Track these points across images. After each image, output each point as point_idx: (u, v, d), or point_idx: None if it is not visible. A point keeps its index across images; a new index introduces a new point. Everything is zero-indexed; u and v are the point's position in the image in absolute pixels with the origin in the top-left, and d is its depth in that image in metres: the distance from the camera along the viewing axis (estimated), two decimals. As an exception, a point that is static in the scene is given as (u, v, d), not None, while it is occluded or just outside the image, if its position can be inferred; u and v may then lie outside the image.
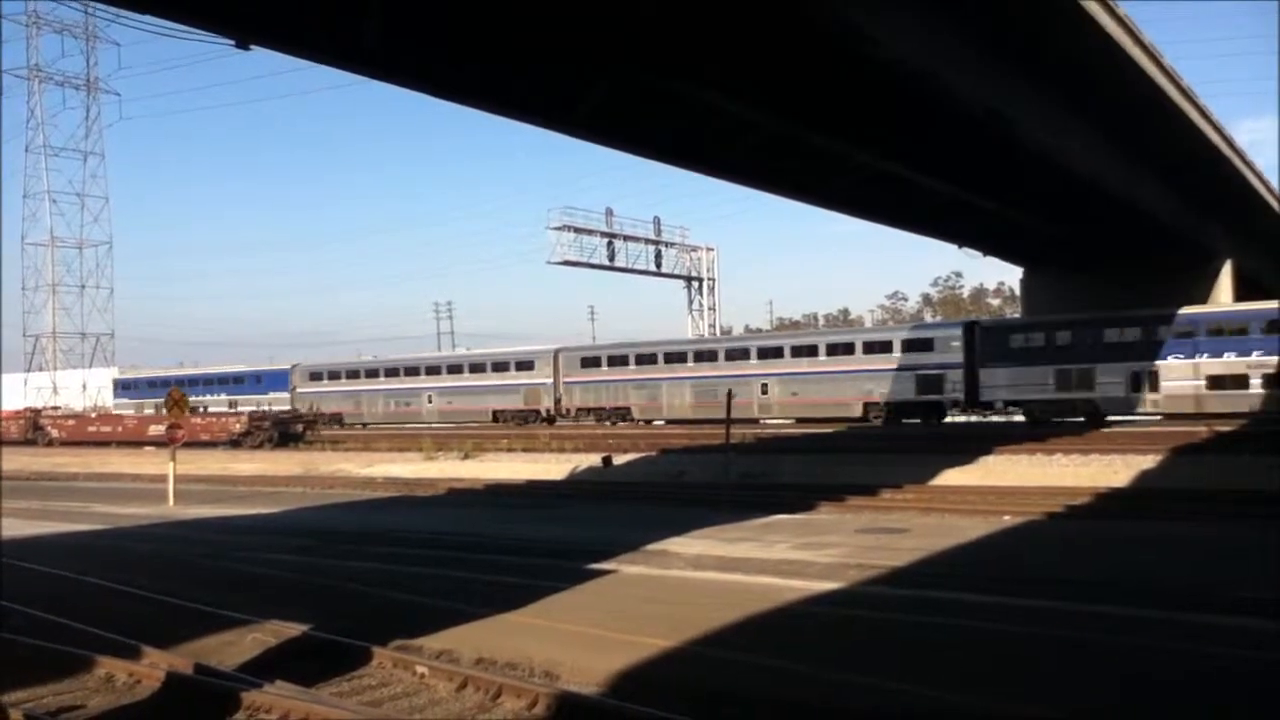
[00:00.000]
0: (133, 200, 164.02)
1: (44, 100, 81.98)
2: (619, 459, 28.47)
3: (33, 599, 10.41)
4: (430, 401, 55.54)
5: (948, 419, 41.10)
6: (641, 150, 23.14)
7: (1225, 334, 35.58)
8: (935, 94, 19.24)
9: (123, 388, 69.95)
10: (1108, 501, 17.83)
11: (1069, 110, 22.62)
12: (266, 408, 51.36)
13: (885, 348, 42.86)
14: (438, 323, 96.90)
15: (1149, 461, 22.43)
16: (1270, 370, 34.19)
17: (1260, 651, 7.87)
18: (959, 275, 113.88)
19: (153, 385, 65.75)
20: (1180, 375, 35.67)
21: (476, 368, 55.02)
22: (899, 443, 31.41)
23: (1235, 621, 8.68)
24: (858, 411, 42.42)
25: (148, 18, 13.18)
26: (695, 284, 60.32)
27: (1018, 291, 52.32)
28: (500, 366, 53.80)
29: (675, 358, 48.37)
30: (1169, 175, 29.17)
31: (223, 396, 63.34)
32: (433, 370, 56.80)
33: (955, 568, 11.66)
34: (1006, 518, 15.91)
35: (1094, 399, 37.08)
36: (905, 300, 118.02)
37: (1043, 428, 34.29)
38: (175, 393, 25.14)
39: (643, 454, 30.09)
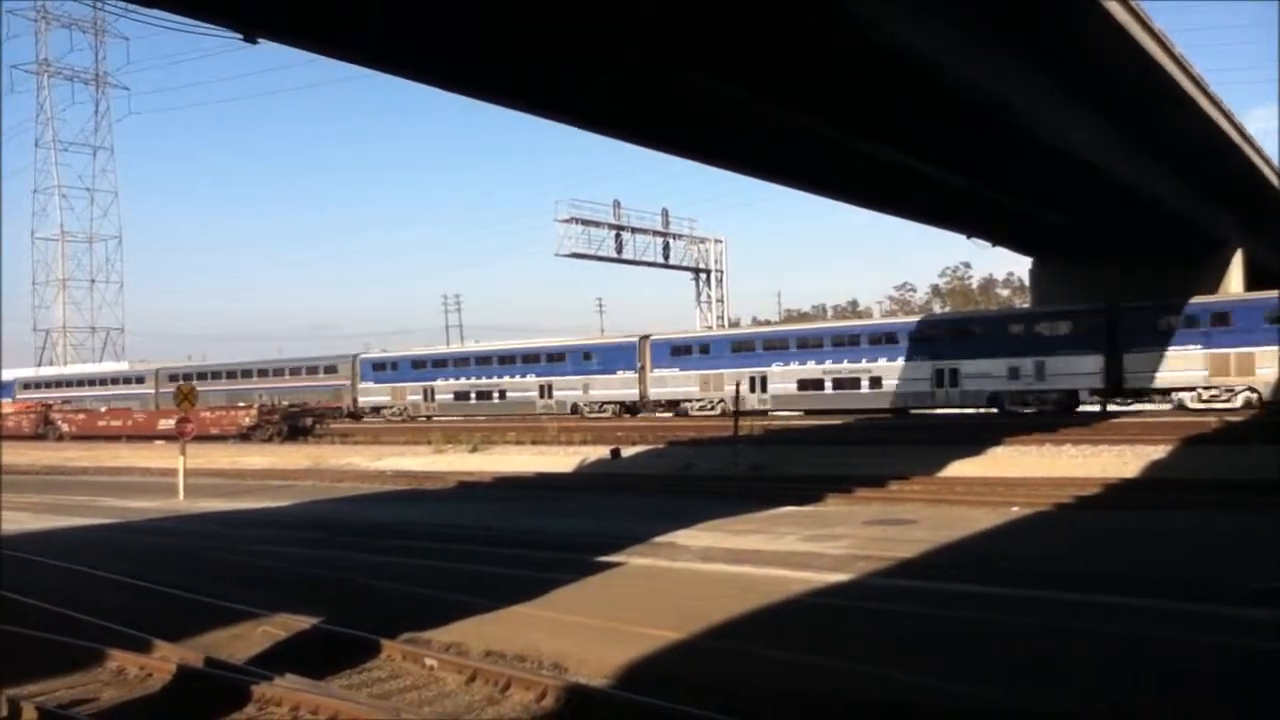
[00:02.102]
0: (142, 194, 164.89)
1: (53, 95, 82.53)
2: (627, 451, 28.49)
3: (43, 593, 10.45)
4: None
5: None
6: (648, 141, 23.09)
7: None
8: (944, 84, 19.16)
9: None
10: (1117, 492, 17.77)
11: (1079, 99, 22.49)
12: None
13: (316, 370, 60.27)
14: (446, 315, 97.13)
15: (1159, 452, 22.34)
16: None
17: (1274, 643, 7.84)
18: (968, 266, 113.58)
19: None
20: (520, 389, 52.65)
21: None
22: (907, 434, 31.36)
23: (1249, 613, 8.64)
24: None
25: (155, 12, 13.19)
26: (703, 275, 60.22)
27: (1027, 282, 52.19)
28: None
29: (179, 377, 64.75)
30: (1180, 164, 29.00)
31: None
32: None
33: (964, 559, 11.63)
34: (1015, 509, 15.86)
35: (416, 403, 54.95)
36: (914, 291, 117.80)
37: (1054, 419, 34.27)
38: (184, 388, 25.24)
39: (650, 446, 30.12)
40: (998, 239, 40.18)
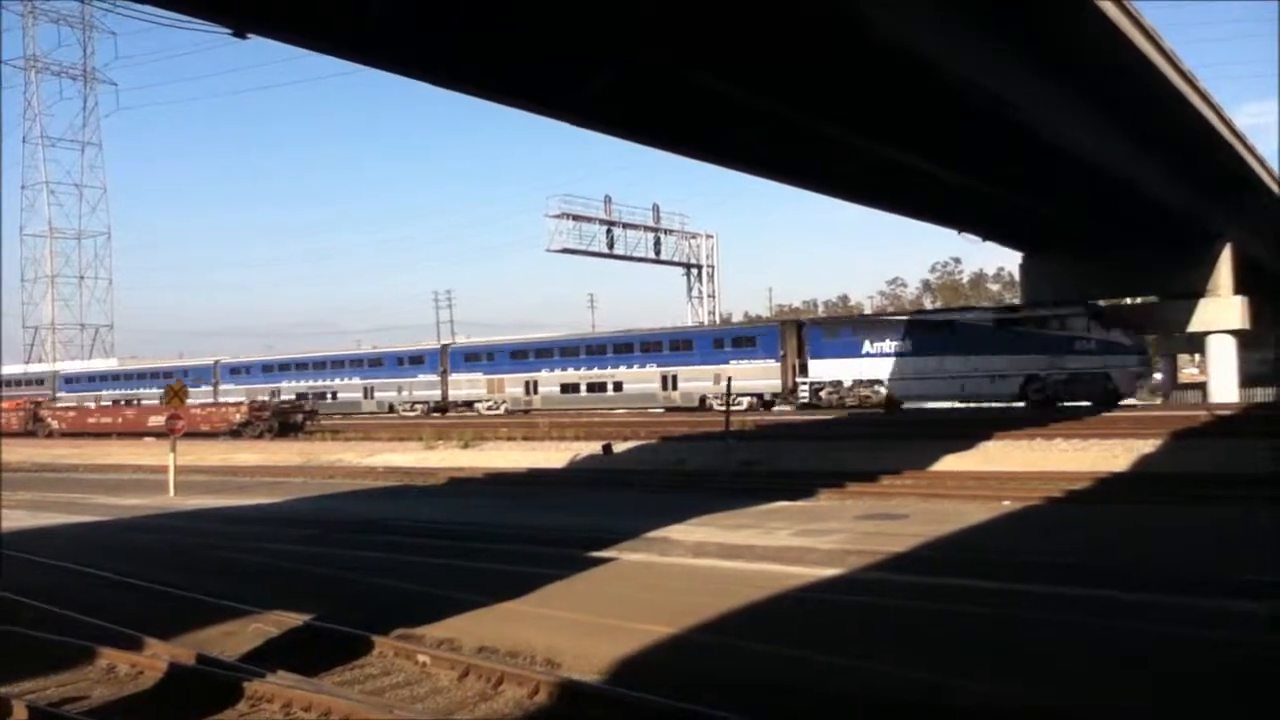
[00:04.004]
0: (131, 191, 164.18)
1: (41, 90, 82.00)
2: (619, 446, 28.46)
3: (34, 590, 10.41)
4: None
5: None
6: (643, 137, 23.06)
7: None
8: (937, 80, 19.18)
9: None
10: (1108, 486, 17.81)
11: (1072, 95, 22.56)
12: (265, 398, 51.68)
13: (34, 383, 70.99)
14: (437, 311, 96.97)
15: (1148, 446, 22.39)
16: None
17: (1271, 635, 7.88)
18: (958, 261, 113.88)
19: None
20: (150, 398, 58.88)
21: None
22: (899, 429, 31.41)
23: (1242, 605, 8.66)
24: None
25: (145, 7, 13.11)
26: (695, 271, 60.23)
27: (1017, 277, 52.33)
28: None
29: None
30: (1170, 159, 29.12)
31: None
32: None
33: (956, 553, 11.66)
34: (1007, 503, 15.90)
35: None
36: (905, 286, 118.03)
37: (1045, 412, 34.40)
38: (176, 384, 25.16)
39: (643, 442, 30.09)
40: (989, 234, 40.30)
